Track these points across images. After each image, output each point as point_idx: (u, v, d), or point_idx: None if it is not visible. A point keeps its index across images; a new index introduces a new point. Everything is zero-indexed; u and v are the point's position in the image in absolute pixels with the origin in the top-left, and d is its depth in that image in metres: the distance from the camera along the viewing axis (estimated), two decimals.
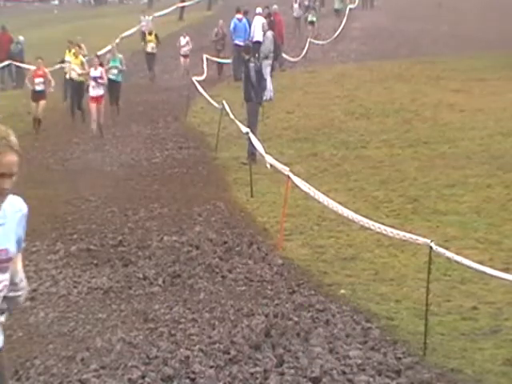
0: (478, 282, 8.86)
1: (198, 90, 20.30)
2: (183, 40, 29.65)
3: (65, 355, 7.16)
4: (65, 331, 7.81)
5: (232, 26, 25.39)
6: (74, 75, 20.38)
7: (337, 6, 35.03)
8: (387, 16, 38.17)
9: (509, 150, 15.15)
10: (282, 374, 6.67)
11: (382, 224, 8.65)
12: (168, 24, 35.52)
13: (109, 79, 19.91)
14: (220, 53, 28.53)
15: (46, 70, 19.45)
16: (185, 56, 29.41)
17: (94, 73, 19.04)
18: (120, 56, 20.93)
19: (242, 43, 23.39)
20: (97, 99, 18.88)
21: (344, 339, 7.43)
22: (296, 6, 35.01)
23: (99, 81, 18.90)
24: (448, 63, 25.64)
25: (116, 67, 20.76)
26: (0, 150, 3.41)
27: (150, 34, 28.36)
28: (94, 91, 18.93)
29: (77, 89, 20.55)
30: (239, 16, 25.26)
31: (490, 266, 7.52)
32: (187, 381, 6.62)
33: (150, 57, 27.86)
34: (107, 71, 19.97)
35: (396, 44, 31.61)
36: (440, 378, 6.64)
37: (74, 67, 20.33)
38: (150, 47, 27.94)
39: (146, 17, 33.00)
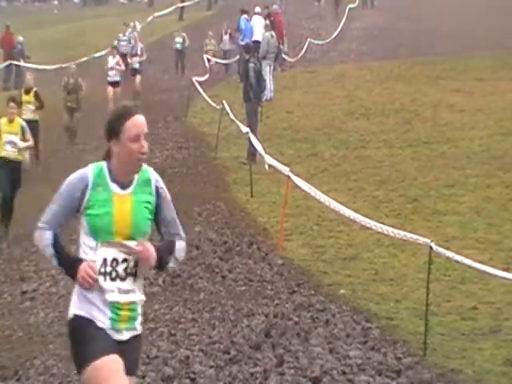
0: (478, 281, 8.87)
1: (198, 90, 20.28)
2: (112, 61, 21.15)
3: (65, 355, 7.15)
4: (65, 331, 7.81)
5: (242, 24, 25.10)
6: (9, 152, 12.40)
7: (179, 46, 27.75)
8: (387, 16, 38.10)
9: (509, 149, 15.14)
10: (282, 374, 6.67)
11: (383, 224, 8.66)
12: (168, 24, 35.46)
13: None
14: (74, 112, 18.56)
15: None
16: (113, 84, 20.84)
17: None
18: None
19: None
20: None
21: (344, 339, 7.43)
22: None
23: None
24: (448, 63, 25.59)
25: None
26: None
27: (28, 91, 16.35)
28: None
29: (12, 173, 12.45)
30: (247, 17, 25.18)
31: (490, 266, 7.52)
32: (187, 381, 6.61)
33: (31, 126, 14.00)
34: None
35: (396, 44, 31.54)
36: (440, 378, 6.64)
37: (10, 139, 12.36)
38: (29, 112, 16.00)
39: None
